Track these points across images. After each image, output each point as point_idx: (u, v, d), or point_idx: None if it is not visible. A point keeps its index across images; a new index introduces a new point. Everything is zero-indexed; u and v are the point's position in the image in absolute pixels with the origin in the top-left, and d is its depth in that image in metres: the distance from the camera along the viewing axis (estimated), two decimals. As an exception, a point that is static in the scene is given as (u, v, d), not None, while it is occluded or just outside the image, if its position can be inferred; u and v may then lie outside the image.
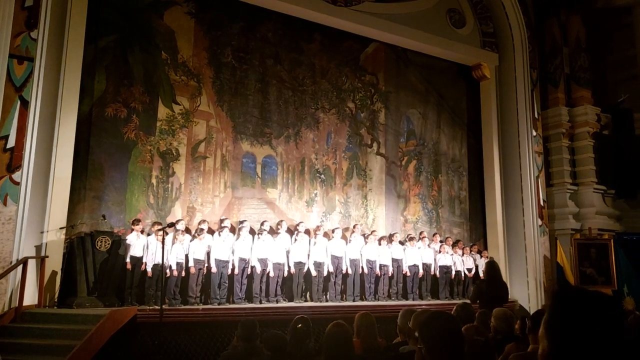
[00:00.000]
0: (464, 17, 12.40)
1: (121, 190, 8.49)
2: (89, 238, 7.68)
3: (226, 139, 9.58)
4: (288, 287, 9.20)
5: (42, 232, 7.43)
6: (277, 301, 8.80)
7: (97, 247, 7.65)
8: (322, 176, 10.45)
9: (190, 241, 8.29)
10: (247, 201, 9.64)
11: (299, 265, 9.07)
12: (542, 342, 1.33)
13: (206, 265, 8.31)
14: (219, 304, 8.21)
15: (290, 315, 4.16)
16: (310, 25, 10.59)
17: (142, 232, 8.08)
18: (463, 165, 12.48)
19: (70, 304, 7.29)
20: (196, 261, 8.17)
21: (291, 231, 9.50)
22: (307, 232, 9.60)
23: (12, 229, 7.11)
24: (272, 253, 8.79)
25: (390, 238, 10.24)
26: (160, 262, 7.14)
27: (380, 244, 9.93)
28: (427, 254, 10.40)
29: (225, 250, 8.42)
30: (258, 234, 8.93)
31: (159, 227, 7.86)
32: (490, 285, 6.56)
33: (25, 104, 7.38)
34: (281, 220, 9.46)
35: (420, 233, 10.80)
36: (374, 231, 10.25)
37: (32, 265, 7.15)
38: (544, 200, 12.20)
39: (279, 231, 9.27)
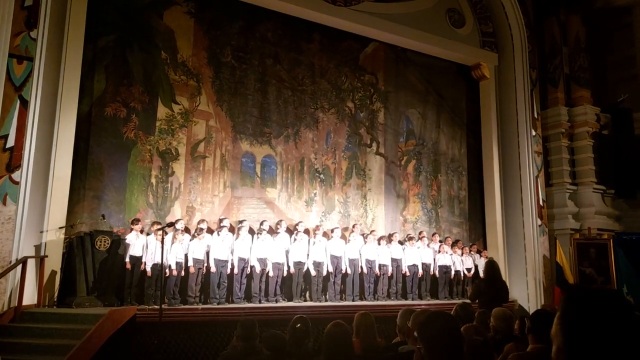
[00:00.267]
0: (464, 16, 12.40)
1: (120, 189, 8.49)
2: (88, 238, 7.68)
3: (225, 138, 9.57)
4: (287, 286, 9.20)
5: (41, 232, 7.43)
6: (276, 301, 8.80)
7: (97, 247, 7.65)
8: (322, 176, 10.45)
9: (190, 241, 8.29)
10: (247, 201, 9.64)
11: (299, 265, 9.07)
12: (555, 340, 1.34)
13: (205, 264, 8.31)
14: (218, 304, 8.21)
15: (289, 315, 4.16)
16: (310, 25, 10.59)
17: (141, 231, 8.08)
18: (462, 165, 12.49)
19: (69, 303, 7.29)
20: (195, 261, 8.17)
21: (290, 231, 9.50)
22: (307, 231, 9.60)
23: (12, 228, 7.11)
24: (271, 253, 8.79)
25: (389, 238, 10.25)
26: (160, 261, 7.14)
27: (379, 244, 9.93)
28: (426, 253, 10.40)
29: (225, 249, 8.42)
30: (257, 233, 8.94)
31: (159, 226, 7.87)
32: (489, 285, 6.57)
33: (24, 104, 7.38)
34: (280, 220, 9.47)
35: (420, 233, 10.80)
36: (373, 231, 10.26)
37: (31, 264, 7.14)
38: (543, 200, 12.20)
39: (278, 231, 9.28)
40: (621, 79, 13.41)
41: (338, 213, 10.52)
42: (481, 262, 10.41)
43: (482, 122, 12.68)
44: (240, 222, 8.98)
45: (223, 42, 9.75)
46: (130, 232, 7.98)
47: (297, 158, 10.27)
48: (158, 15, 9.22)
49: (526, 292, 11.41)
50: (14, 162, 7.25)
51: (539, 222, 11.95)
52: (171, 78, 9.17)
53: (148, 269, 7.89)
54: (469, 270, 10.80)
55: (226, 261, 8.43)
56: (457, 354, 2.04)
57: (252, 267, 8.62)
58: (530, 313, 5.08)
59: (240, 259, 8.54)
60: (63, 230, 7.64)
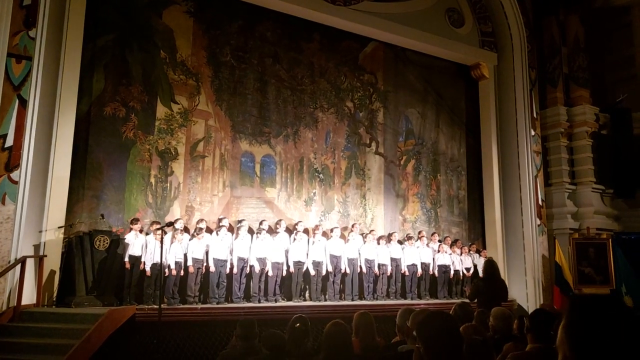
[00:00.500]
0: (463, 16, 12.40)
1: (120, 189, 8.48)
2: (87, 237, 7.66)
3: (225, 138, 9.57)
4: (287, 286, 9.21)
5: (40, 232, 7.42)
6: (275, 300, 8.81)
7: (96, 247, 7.64)
8: (321, 175, 10.45)
9: (189, 240, 8.28)
10: (246, 200, 9.64)
11: (298, 264, 9.07)
12: (561, 349, 1.35)
13: (205, 264, 8.30)
14: (217, 303, 8.21)
15: (289, 315, 4.16)
16: (309, 25, 10.59)
17: (140, 231, 8.08)
18: (462, 164, 12.49)
19: (68, 303, 7.28)
20: (195, 260, 8.17)
21: (290, 230, 9.50)
22: (306, 231, 9.60)
23: (11, 228, 7.10)
24: (270, 252, 8.79)
25: (388, 237, 10.25)
26: (159, 261, 7.13)
27: (378, 244, 9.93)
28: (425, 253, 10.41)
29: (224, 249, 8.42)
30: (257, 233, 8.93)
31: (158, 226, 7.87)
32: (488, 284, 6.56)
33: (23, 103, 7.37)
34: (280, 220, 9.47)
35: (419, 232, 10.81)
36: (372, 230, 10.27)
37: (30, 264, 7.14)
38: (542, 200, 12.21)
39: (277, 230, 9.28)
40: (620, 78, 13.42)
41: (337, 213, 10.53)
42: (480, 262, 10.41)
43: (482, 122, 12.68)
44: (240, 221, 8.98)
45: (222, 41, 9.74)
46: (130, 231, 7.98)
47: (296, 158, 10.27)
48: (157, 14, 9.21)
49: (525, 291, 11.42)
50: (12, 162, 7.24)
51: (538, 221, 11.95)
52: (170, 77, 9.16)
53: (147, 268, 7.89)
54: (468, 269, 10.81)
55: (225, 261, 8.43)
56: (456, 354, 2.04)
57: (251, 266, 8.62)
58: (529, 312, 5.08)
59: (240, 259, 8.54)
60: (62, 230, 7.64)
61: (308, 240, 9.36)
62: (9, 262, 6.97)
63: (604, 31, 13.64)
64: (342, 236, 9.87)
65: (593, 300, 1.37)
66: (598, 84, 13.32)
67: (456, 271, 10.64)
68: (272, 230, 9.27)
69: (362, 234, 10.10)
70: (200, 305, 8.08)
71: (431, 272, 10.43)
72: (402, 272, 10.11)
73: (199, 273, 8.25)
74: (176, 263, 8.03)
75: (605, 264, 11.42)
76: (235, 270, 8.50)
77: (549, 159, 12.77)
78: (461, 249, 10.93)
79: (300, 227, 9.37)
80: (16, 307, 6.82)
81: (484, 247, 11.90)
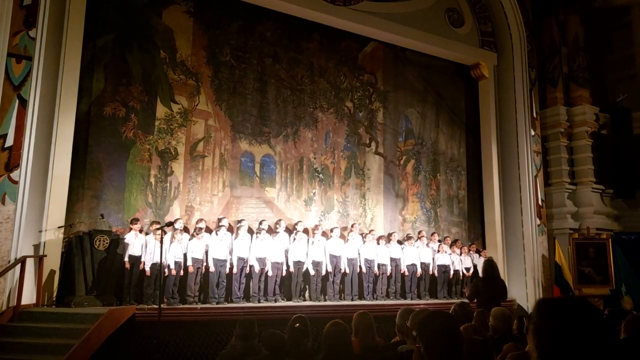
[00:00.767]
0: (463, 16, 12.40)
1: (119, 189, 8.48)
2: (87, 237, 7.66)
3: (225, 138, 9.57)
4: (286, 286, 9.20)
5: (40, 231, 7.42)
6: (275, 300, 8.81)
7: (96, 246, 7.64)
8: (321, 175, 10.45)
9: (189, 240, 8.28)
10: (246, 200, 9.64)
11: (298, 264, 9.07)
12: (533, 356, 1.35)
13: (204, 264, 8.30)
14: (217, 303, 8.21)
15: (288, 315, 4.16)
16: (309, 25, 10.58)
17: (140, 231, 8.08)
18: (461, 164, 12.49)
19: (68, 303, 7.28)
20: (194, 260, 8.16)
21: (290, 230, 9.50)
22: (306, 231, 9.59)
23: (11, 228, 7.10)
24: (270, 252, 8.79)
25: (388, 237, 10.25)
26: (159, 261, 7.13)
27: (378, 243, 9.93)
28: (425, 253, 10.41)
29: (223, 249, 8.42)
30: (256, 233, 8.94)
31: (158, 226, 7.87)
32: (488, 284, 6.56)
33: (23, 103, 7.37)
34: (280, 220, 9.47)
35: (419, 232, 10.81)
36: (372, 230, 10.27)
37: (30, 264, 7.14)
38: (542, 200, 12.21)
39: (277, 230, 9.28)
40: (620, 78, 13.43)
41: (337, 212, 10.53)
42: (480, 262, 10.41)
43: (481, 122, 12.69)
44: (239, 221, 8.98)
45: (222, 41, 9.74)
46: (129, 231, 7.98)
47: (296, 157, 10.27)
48: (157, 14, 9.21)
49: (525, 291, 11.42)
50: (12, 162, 7.24)
51: (538, 221, 11.96)
52: (170, 77, 9.16)
53: (147, 268, 7.88)
54: (467, 269, 10.80)
55: (225, 261, 8.43)
56: (456, 354, 2.04)
57: (251, 266, 8.62)
58: (529, 313, 5.08)
59: (240, 259, 8.54)
60: (62, 230, 7.64)
61: (308, 240, 9.35)
62: (9, 261, 6.97)
63: (603, 31, 13.64)
64: (342, 236, 9.87)
65: (559, 304, 1.36)
66: (598, 83, 13.33)
67: (456, 271, 10.64)
68: (271, 230, 9.27)
69: (361, 234, 10.10)
70: (200, 305, 8.08)
71: (431, 272, 10.43)
72: (402, 272, 10.11)
73: (198, 273, 8.24)
74: (176, 263, 8.03)
75: (605, 264, 11.43)
76: (235, 270, 8.50)
77: (549, 158, 12.78)
78: (461, 248, 10.93)
79: (300, 227, 9.36)
80: (16, 306, 6.82)
81: (484, 247, 11.90)
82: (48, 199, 7.53)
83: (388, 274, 9.95)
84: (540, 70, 12.97)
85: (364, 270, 9.67)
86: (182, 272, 8.12)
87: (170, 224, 7.69)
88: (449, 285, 10.62)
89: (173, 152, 9.02)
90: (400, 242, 10.48)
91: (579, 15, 13.25)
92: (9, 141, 7.24)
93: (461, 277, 10.73)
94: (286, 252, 9.07)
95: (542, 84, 12.98)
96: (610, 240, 11.65)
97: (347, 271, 9.50)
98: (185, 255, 8.16)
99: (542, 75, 13.00)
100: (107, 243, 7.74)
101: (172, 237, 8.15)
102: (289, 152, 10.20)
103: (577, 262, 11.46)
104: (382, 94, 11.50)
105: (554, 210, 12.42)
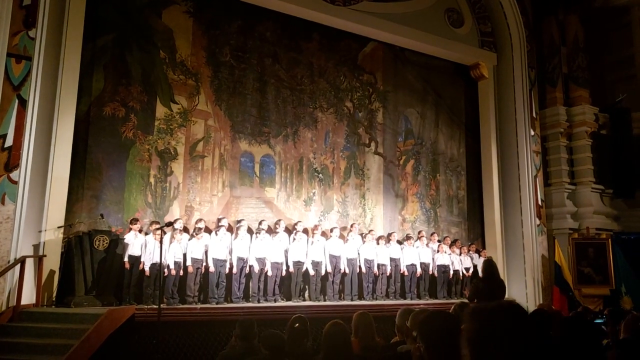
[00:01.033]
0: (462, 16, 12.40)
1: (119, 189, 8.48)
2: (87, 237, 7.65)
3: (224, 138, 9.57)
4: (286, 286, 9.20)
5: (40, 231, 7.42)
6: (275, 300, 8.80)
7: (95, 246, 7.63)
8: (320, 175, 10.45)
9: (188, 240, 8.28)
10: (245, 200, 9.63)
11: (297, 264, 9.07)
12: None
13: (204, 264, 8.30)
14: (217, 303, 8.21)
15: (288, 315, 4.16)
16: (309, 25, 10.58)
17: (140, 231, 8.07)
18: (461, 164, 12.49)
19: (68, 303, 7.27)
20: (194, 260, 8.16)
21: (289, 230, 9.49)
22: (305, 231, 9.59)
23: (10, 228, 7.10)
24: (270, 252, 8.79)
25: (388, 237, 10.25)
26: (158, 261, 7.13)
27: (378, 244, 9.93)
28: (425, 253, 10.41)
29: (223, 249, 8.42)
30: (256, 233, 8.93)
31: (157, 226, 7.86)
32: (488, 284, 6.57)
33: (23, 103, 7.37)
34: (279, 220, 9.46)
35: (419, 232, 10.81)
36: (371, 230, 10.27)
37: (30, 264, 7.13)
38: (542, 200, 12.22)
39: (277, 230, 9.27)
40: (619, 78, 13.44)
41: (337, 212, 10.53)
42: (480, 262, 10.42)
43: (481, 122, 12.69)
44: (239, 221, 8.97)
45: (222, 41, 9.74)
46: (129, 231, 7.97)
47: (295, 158, 10.26)
48: (157, 14, 9.20)
49: (525, 291, 11.42)
50: (12, 162, 7.23)
51: (538, 221, 11.96)
52: (170, 77, 9.16)
53: (146, 268, 7.88)
54: (467, 269, 10.80)
55: (225, 261, 8.43)
56: (456, 354, 2.04)
57: (250, 266, 8.62)
58: (529, 313, 5.08)
59: (239, 259, 8.54)
60: (61, 230, 7.63)
61: (307, 240, 9.35)
62: (9, 262, 6.96)
63: (603, 31, 13.64)
64: (342, 236, 9.88)
65: (490, 310, 1.36)
66: (597, 83, 13.33)
67: (455, 271, 10.64)
68: (271, 230, 9.27)
69: (361, 234, 10.10)
70: (199, 305, 8.07)
71: (430, 272, 10.43)
72: (402, 272, 10.11)
73: (198, 273, 8.24)
74: (175, 263, 8.03)
75: (604, 263, 11.43)
76: (234, 270, 8.50)
77: (549, 159, 12.78)
78: (460, 249, 10.93)
79: (299, 227, 9.36)
80: (15, 307, 6.81)
81: (484, 247, 11.91)
82: (48, 199, 7.52)
83: (388, 274, 9.95)
84: (539, 70, 12.97)
85: (363, 270, 9.67)
86: (181, 272, 8.12)
87: (170, 224, 7.68)
88: (448, 285, 10.62)
89: (173, 152, 9.01)
90: (399, 242, 10.48)
91: (578, 15, 13.25)
92: (9, 141, 7.24)
93: (461, 277, 10.73)
94: (286, 252, 9.07)
95: (542, 84, 12.98)
96: (609, 240, 11.66)
97: (347, 271, 9.50)
98: (184, 256, 8.16)
99: (541, 76, 13.00)
100: (106, 243, 7.73)
101: (172, 237, 8.15)
102: (289, 152, 10.20)
103: (577, 262, 11.47)
104: (382, 94, 11.50)
105: (553, 210, 12.42)
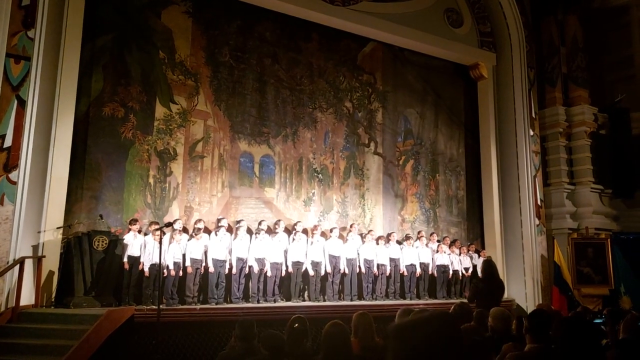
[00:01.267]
0: (462, 16, 12.40)
1: (118, 189, 8.47)
2: (86, 238, 7.65)
3: (224, 138, 9.56)
4: (286, 286, 9.20)
5: (39, 232, 7.41)
6: (274, 301, 8.80)
7: (95, 247, 7.63)
8: (320, 176, 10.45)
9: (188, 241, 8.27)
10: (245, 201, 9.63)
11: (297, 264, 9.07)
12: None
13: (203, 264, 8.29)
14: (216, 304, 8.20)
15: (288, 315, 4.16)
16: (308, 25, 10.58)
17: (139, 231, 8.06)
18: (460, 164, 12.49)
19: (67, 303, 7.27)
20: (193, 261, 8.15)
21: (289, 231, 9.49)
22: (305, 231, 9.59)
23: (9, 228, 7.09)
24: (269, 252, 8.79)
25: (387, 237, 10.24)
26: (158, 261, 7.13)
27: (377, 244, 9.93)
28: (424, 253, 10.41)
29: (222, 249, 8.42)
30: (255, 233, 8.93)
31: (156, 226, 7.85)
32: (487, 285, 6.57)
33: (22, 104, 7.36)
34: (279, 220, 9.46)
35: (418, 232, 10.81)
36: (371, 231, 10.27)
37: (29, 265, 7.13)
38: (541, 200, 12.22)
39: (276, 231, 9.27)
40: (619, 78, 13.45)
41: (336, 213, 10.52)
42: (479, 262, 10.42)
43: (480, 122, 12.70)
44: (239, 222, 8.97)
45: (221, 41, 9.74)
46: (128, 232, 7.96)
47: (295, 158, 10.26)
48: (156, 14, 9.20)
49: (524, 291, 11.43)
50: (11, 162, 7.23)
51: (537, 221, 11.97)
52: (169, 78, 9.15)
53: (146, 269, 7.87)
54: (466, 269, 10.81)
55: (224, 261, 8.42)
56: (456, 354, 2.04)
57: (250, 267, 8.61)
58: (528, 313, 5.09)
59: (239, 259, 8.53)
60: (61, 231, 7.62)
61: (307, 240, 9.35)
62: (8, 262, 6.96)
63: (602, 31, 13.66)
64: (341, 236, 9.87)
65: (412, 327, 1.36)
66: (597, 84, 13.34)
67: (455, 271, 10.64)
68: (271, 231, 9.26)
69: (360, 234, 10.09)
70: (199, 306, 8.06)
71: (430, 272, 10.43)
72: (401, 272, 10.10)
73: (197, 273, 8.23)
74: (175, 263, 8.02)
75: (603, 263, 11.44)
76: (234, 270, 8.49)
77: (548, 159, 12.79)
78: (460, 249, 10.93)
79: (299, 227, 9.36)
80: (15, 307, 6.80)
81: (483, 247, 11.91)
82: (47, 200, 7.52)
83: (387, 274, 9.95)
84: (539, 70, 12.98)
85: (363, 270, 9.67)
86: (181, 273, 8.11)
87: (169, 224, 7.67)
88: (448, 286, 10.62)
89: (172, 153, 9.01)
90: (399, 242, 10.48)
91: (577, 15, 13.26)
92: (8, 142, 7.23)
93: (460, 277, 10.73)
94: (285, 252, 9.06)
95: (541, 84, 12.99)
96: (609, 240, 11.67)
97: (347, 271, 9.50)
98: (184, 256, 8.15)
99: (540, 76, 13.01)
100: (106, 244, 7.73)
101: (171, 237, 8.14)
102: (288, 152, 10.20)
103: (576, 262, 11.47)
104: (381, 94, 11.50)
105: (552, 210, 12.43)
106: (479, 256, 11.10)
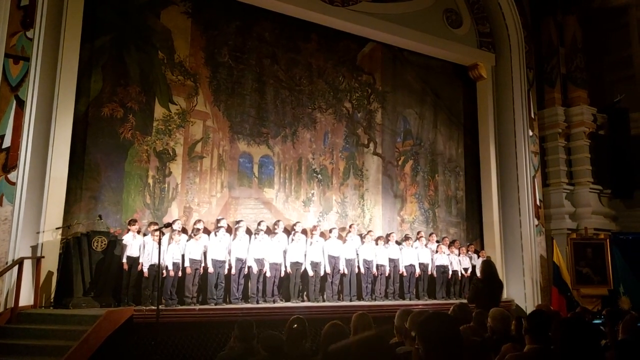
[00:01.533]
0: (461, 17, 12.41)
1: (117, 190, 8.46)
2: (85, 238, 7.65)
3: (223, 138, 9.56)
4: (285, 287, 9.19)
5: (38, 233, 7.40)
6: (274, 301, 8.79)
7: (94, 248, 7.63)
8: (319, 176, 10.45)
9: (187, 241, 8.27)
10: (244, 201, 9.63)
11: (296, 265, 9.06)
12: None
13: (202, 265, 8.29)
14: (215, 304, 8.19)
15: (287, 316, 4.15)
16: (307, 25, 10.58)
17: (138, 232, 8.06)
18: (460, 165, 12.50)
19: (66, 304, 7.27)
20: (192, 261, 8.15)
21: (288, 231, 9.48)
22: (304, 232, 9.59)
23: (8, 229, 7.08)
24: (269, 253, 8.78)
25: (387, 238, 10.24)
26: (157, 262, 7.12)
27: (377, 244, 9.93)
28: (423, 253, 10.41)
29: (222, 250, 8.41)
30: (255, 234, 8.92)
31: (156, 227, 7.84)
32: (487, 285, 6.56)
33: (21, 104, 7.36)
34: (278, 220, 9.45)
35: (417, 233, 10.81)
36: (370, 231, 10.26)
37: (28, 265, 7.12)
38: (540, 200, 12.23)
39: (275, 231, 9.26)
40: (618, 79, 13.46)
41: (335, 213, 10.52)
42: (478, 262, 10.43)
43: (479, 122, 12.70)
44: (238, 222, 8.96)
45: (220, 42, 9.73)
46: (127, 232, 7.96)
47: (294, 158, 10.26)
48: (155, 15, 9.20)
49: (523, 292, 11.43)
50: (10, 163, 7.22)
51: (536, 222, 11.97)
52: (168, 78, 9.15)
53: (145, 269, 7.85)
54: (466, 270, 10.81)
55: (223, 261, 8.42)
56: (456, 355, 2.04)
57: (249, 267, 8.60)
58: (528, 313, 5.09)
59: (238, 260, 8.52)
60: (60, 231, 7.62)
61: (306, 240, 9.35)
62: (7, 263, 6.94)
63: (601, 32, 13.67)
64: (340, 237, 9.87)
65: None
66: (596, 84, 13.36)
67: (454, 271, 10.65)
68: (270, 231, 9.25)
69: (360, 235, 10.09)
70: (198, 306, 8.05)
71: (429, 273, 10.43)
72: (400, 272, 10.10)
73: (196, 274, 8.22)
74: (174, 264, 8.01)
75: (603, 264, 11.46)
76: (233, 271, 8.48)
77: (547, 159, 12.80)
78: (459, 249, 10.94)
79: (298, 228, 9.35)
80: (14, 308, 6.79)
81: (482, 248, 11.91)
82: (46, 200, 7.51)
83: (386, 274, 9.95)
84: (538, 70, 12.99)
85: (362, 271, 9.67)
86: (180, 273, 8.10)
87: (169, 225, 7.67)
88: (447, 286, 10.62)
89: (171, 153, 9.00)
90: (398, 243, 10.48)
91: (576, 16, 13.28)
92: (7, 142, 7.22)
93: (459, 278, 10.73)
94: (284, 253, 9.06)
95: (540, 84, 13.00)
96: (608, 240, 11.68)
97: (346, 272, 9.49)
98: (183, 257, 8.14)
99: (540, 76, 13.02)
100: (105, 244, 7.73)
101: (170, 238, 8.14)
102: (288, 152, 10.20)
103: (575, 262, 11.49)
104: (381, 95, 11.50)
105: (552, 210, 12.43)
106: (478, 256, 11.10)
